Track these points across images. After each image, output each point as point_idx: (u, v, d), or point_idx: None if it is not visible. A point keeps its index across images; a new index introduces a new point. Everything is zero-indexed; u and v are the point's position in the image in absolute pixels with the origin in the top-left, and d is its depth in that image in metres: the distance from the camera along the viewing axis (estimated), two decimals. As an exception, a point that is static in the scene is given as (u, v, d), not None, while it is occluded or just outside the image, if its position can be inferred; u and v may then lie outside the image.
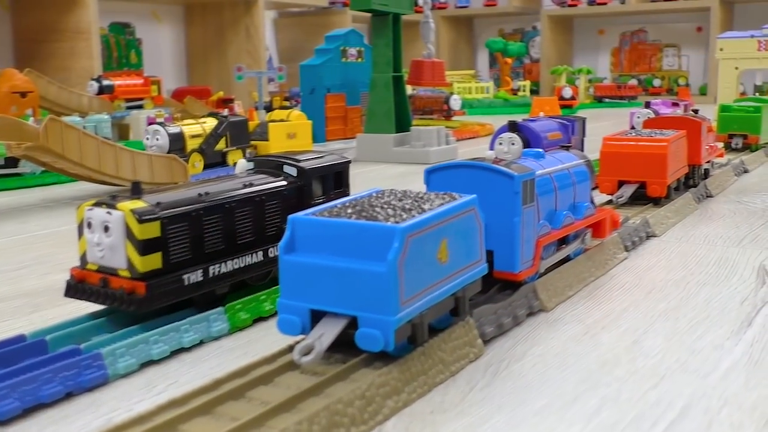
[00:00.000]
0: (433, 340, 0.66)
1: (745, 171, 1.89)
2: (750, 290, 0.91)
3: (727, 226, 1.28)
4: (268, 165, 0.91)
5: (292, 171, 0.90)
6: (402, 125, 2.35)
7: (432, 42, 2.51)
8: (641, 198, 1.33)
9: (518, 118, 1.55)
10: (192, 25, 4.98)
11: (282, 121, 2.17)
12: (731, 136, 2.15)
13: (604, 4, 5.90)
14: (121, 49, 4.62)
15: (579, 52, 6.51)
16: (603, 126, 3.34)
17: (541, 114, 1.61)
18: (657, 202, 1.34)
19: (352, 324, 0.59)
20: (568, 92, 4.63)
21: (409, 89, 4.26)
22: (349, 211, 0.63)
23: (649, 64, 6.15)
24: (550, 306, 0.84)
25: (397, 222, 0.59)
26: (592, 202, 0.99)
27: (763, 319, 0.80)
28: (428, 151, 2.22)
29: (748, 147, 2.15)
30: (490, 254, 0.79)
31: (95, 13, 3.66)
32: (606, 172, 1.33)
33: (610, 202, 1.33)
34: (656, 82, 5.89)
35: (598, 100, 5.22)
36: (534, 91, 6.15)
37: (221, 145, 1.94)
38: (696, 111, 1.70)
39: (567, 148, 1.42)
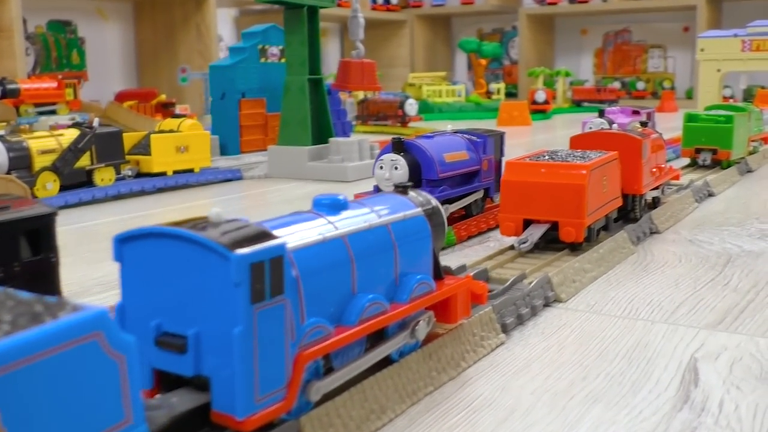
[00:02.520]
0: None
1: (710, 195, 1.57)
2: (664, 414, 0.59)
3: (664, 282, 0.95)
4: None
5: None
6: (321, 136, 2.03)
7: (361, 40, 2.19)
8: (556, 241, 1.01)
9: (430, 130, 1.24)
10: (141, 23, 4.65)
11: (171, 131, 1.85)
12: (698, 151, 1.83)
13: (586, 2, 5.58)
14: (62, 48, 4.30)
15: (561, 53, 6.19)
16: (561, 137, 3.01)
17: (449, 127, 1.28)
18: (576, 247, 1.02)
19: None
20: (541, 96, 4.32)
21: (361, 93, 3.95)
22: None
23: (634, 65, 5.84)
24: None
25: None
26: (438, 269, 0.66)
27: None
28: (346, 167, 1.90)
29: (718, 163, 1.83)
30: (207, 382, 0.47)
31: (18, 8, 3.34)
32: (508, 208, 1.01)
33: (513, 247, 1.01)
34: (640, 85, 5.58)
35: (577, 104, 4.91)
36: (512, 94, 5.84)
37: (84, 162, 1.62)
38: (645, 123, 1.38)
39: (474, 174, 1.11)
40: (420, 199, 0.66)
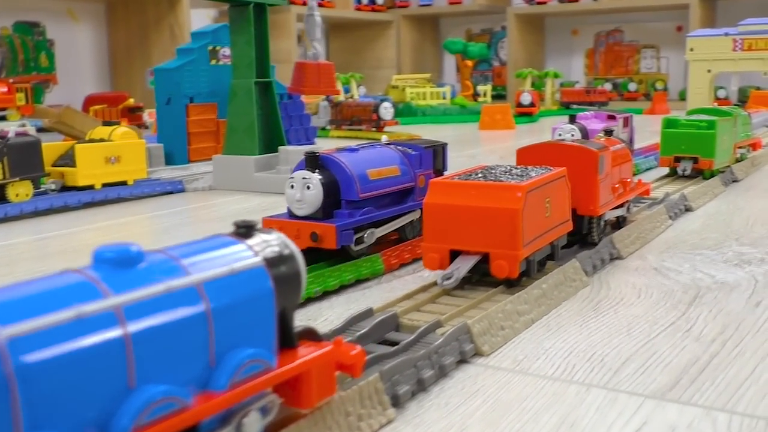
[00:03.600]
0: None
1: (687, 210, 1.41)
2: None
3: (614, 327, 0.79)
4: None
5: None
6: (272, 144, 1.87)
7: (318, 40, 2.03)
8: (489, 275, 0.85)
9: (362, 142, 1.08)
10: (114, 24, 4.50)
11: (101, 140, 1.69)
12: (678, 160, 1.67)
13: (576, 1, 5.43)
14: (29, 51, 4.14)
15: (551, 54, 6.03)
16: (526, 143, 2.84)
17: (384, 138, 1.13)
18: (514, 282, 0.86)
19: None
20: (527, 98, 4.16)
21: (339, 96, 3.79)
22: None
23: (626, 66, 5.68)
24: None
25: None
26: (288, 335, 0.50)
27: None
28: (294, 179, 1.73)
29: (700, 173, 1.67)
30: None
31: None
32: (432, 236, 0.85)
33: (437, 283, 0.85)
34: (632, 86, 5.41)
35: (566, 107, 4.74)
36: (500, 97, 5.69)
37: (-6, 176, 1.46)
38: (610, 132, 1.22)
39: (408, 191, 0.96)
40: (265, 244, 0.51)
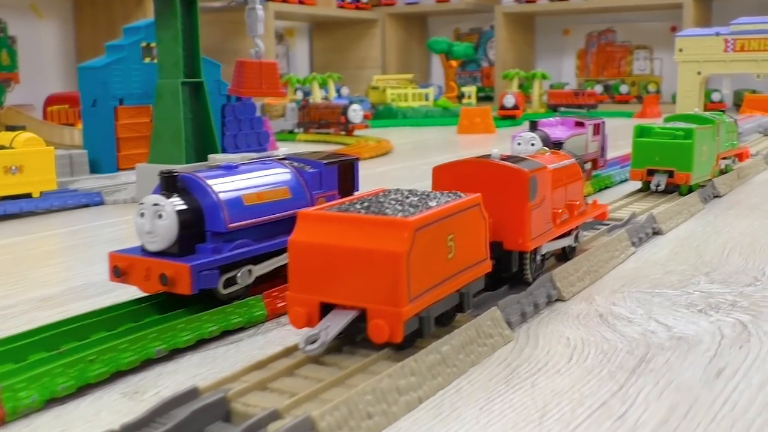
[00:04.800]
0: None
1: (656, 233, 1.22)
2: None
3: (526, 409, 0.60)
4: None
5: None
6: (204, 152, 1.68)
7: (260, 36, 1.84)
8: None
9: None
10: (80, 21, 4.31)
11: (1, 148, 1.50)
12: (651, 173, 1.47)
13: None
14: (-12, 48, 3.95)
15: (541, 55, 5.85)
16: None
17: (283, 150, 0.93)
18: (402, 346, 0.66)
19: None
20: (510, 101, 3.98)
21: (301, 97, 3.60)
22: None
23: (618, 68, 5.50)
24: None
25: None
26: None
27: None
28: (222, 191, 1.54)
29: (676, 189, 1.48)
30: None
31: None
32: (299, 285, 0.66)
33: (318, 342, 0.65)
34: (623, 89, 5.23)
35: (553, 109, 4.55)
36: (488, 98, 5.50)
37: None
38: (559, 145, 1.03)
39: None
40: None
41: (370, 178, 2.06)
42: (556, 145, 1.03)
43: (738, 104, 4.31)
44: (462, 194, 0.72)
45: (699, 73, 2.94)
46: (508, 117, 3.97)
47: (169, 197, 0.76)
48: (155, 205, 0.75)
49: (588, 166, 1.66)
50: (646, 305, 0.86)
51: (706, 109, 4.06)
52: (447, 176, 0.84)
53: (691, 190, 1.47)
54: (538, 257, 0.87)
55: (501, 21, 5.37)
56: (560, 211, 0.90)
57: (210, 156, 1.68)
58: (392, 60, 5.82)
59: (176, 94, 1.63)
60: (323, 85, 4.45)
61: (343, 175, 0.93)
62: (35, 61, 4.13)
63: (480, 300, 0.81)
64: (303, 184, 0.88)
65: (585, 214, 0.99)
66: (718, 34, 2.90)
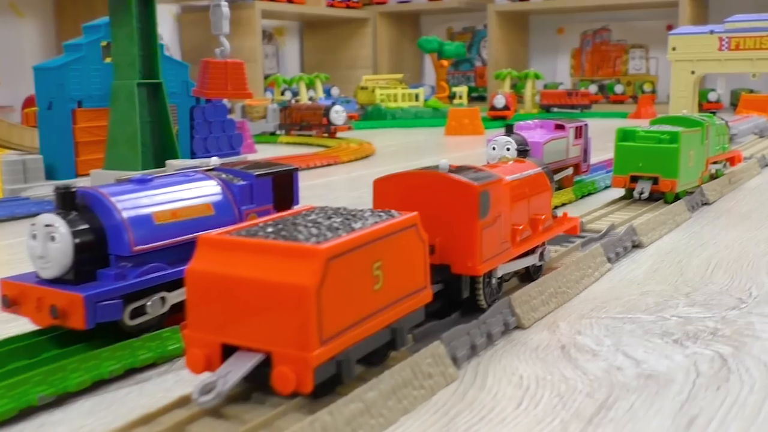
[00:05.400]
0: None
1: (636, 246, 1.13)
2: None
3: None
4: None
5: None
6: (160, 157, 1.58)
7: (225, 34, 1.74)
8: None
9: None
10: (62, 20, 4.21)
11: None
12: (634, 179, 1.38)
13: (561, -3, 5.14)
14: (-34, 48, 3.85)
15: (535, 54, 5.75)
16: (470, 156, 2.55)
17: (214, 160, 0.84)
18: (317, 393, 0.57)
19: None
20: (500, 101, 3.88)
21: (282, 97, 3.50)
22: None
23: (614, 67, 5.40)
24: None
25: None
26: None
27: None
28: (178, 200, 1.45)
29: (661, 197, 1.38)
30: None
31: None
32: (198, 323, 0.56)
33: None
34: (618, 89, 5.13)
35: (546, 110, 4.46)
36: (481, 98, 5.41)
37: None
38: (525, 152, 0.94)
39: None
40: None
41: (345, 182, 1.97)
42: (520, 153, 0.93)
43: (735, 104, 4.22)
44: (396, 213, 0.62)
45: (693, 72, 2.85)
46: (498, 118, 3.88)
47: (65, 216, 0.67)
48: (47, 225, 0.66)
49: (569, 171, 1.57)
50: (615, 334, 0.77)
51: (702, 110, 3.97)
52: (389, 190, 0.74)
53: (677, 197, 1.38)
54: (494, 280, 0.77)
55: (494, 20, 5.27)
56: (521, 227, 0.81)
57: (168, 162, 1.59)
58: (384, 60, 5.73)
59: (132, 96, 1.53)
60: (310, 86, 4.35)
61: (280, 188, 0.83)
62: (15, 61, 4.04)
63: (425, 330, 0.72)
64: (230, 198, 0.78)
65: (551, 230, 0.89)
66: (712, 32, 2.81)
